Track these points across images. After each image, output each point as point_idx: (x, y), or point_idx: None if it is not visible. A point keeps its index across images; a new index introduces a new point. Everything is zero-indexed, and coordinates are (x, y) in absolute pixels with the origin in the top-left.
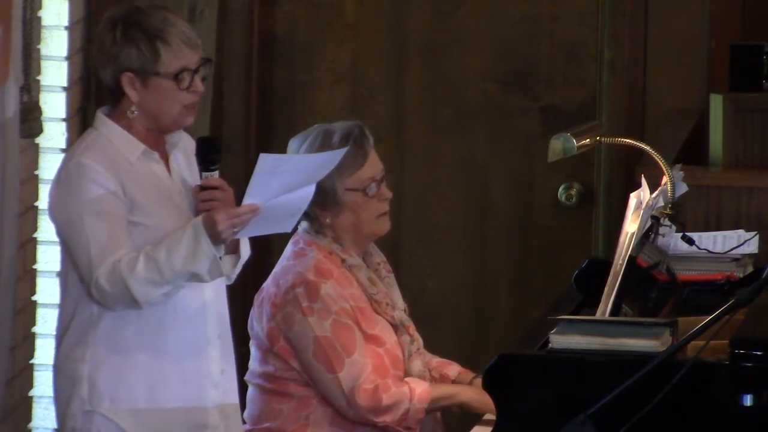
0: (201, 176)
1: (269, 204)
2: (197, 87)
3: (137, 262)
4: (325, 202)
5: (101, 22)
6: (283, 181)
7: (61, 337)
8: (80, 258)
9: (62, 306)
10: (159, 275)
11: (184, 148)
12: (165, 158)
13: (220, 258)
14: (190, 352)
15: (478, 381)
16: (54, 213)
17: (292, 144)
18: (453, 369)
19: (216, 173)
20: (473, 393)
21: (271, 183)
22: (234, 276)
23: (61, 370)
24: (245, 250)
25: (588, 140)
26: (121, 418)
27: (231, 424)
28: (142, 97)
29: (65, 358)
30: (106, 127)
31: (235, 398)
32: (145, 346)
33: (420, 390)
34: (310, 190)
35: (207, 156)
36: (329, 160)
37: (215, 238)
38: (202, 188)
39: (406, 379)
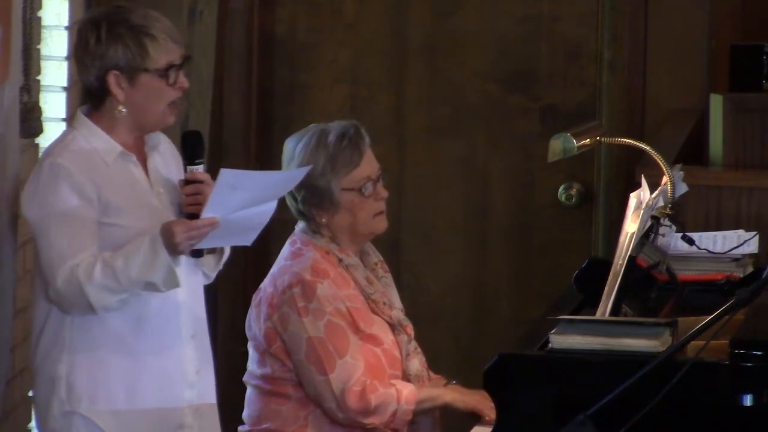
0: (185, 170)
1: (229, 218)
2: (182, 83)
3: (94, 268)
4: (321, 202)
5: (80, 24)
6: (244, 197)
7: (37, 338)
8: (43, 259)
9: (37, 306)
10: (115, 282)
11: (162, 150)
12: (143, 160)
13: (202, 256)
14: (164, 352)
15: (451, 386)
16: (25, 211)
17: (288, 144)
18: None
19: (201, 167)
20: (456, 394)
21: (232, 198)
22: (213, 276)
23: (39, 371)
24: (226, 250)
25: (588, 140)
26: (100, 418)
27: (206, 424)
28: (128, 95)
29: (43, 359)
30: (85, 128)
31: (211, 398)
32: (120, 346)
33: (407, 392)
34: (271, 206)
35: (191, 150)
36: (291, 177)
37: (172, 249)
38: (187, 182)
39: (392, 381)
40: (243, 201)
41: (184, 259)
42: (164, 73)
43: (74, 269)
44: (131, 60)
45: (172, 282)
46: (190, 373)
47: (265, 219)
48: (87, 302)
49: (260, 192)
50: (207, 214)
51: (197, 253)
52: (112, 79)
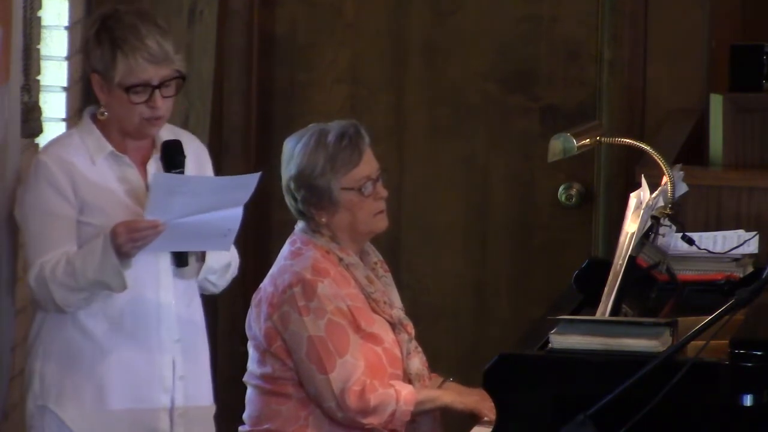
0: None
1: (182, 222)
2: (155, 102)
3: (58, 266)
4: (321, 201)
5: (87, 18)
6: (188, 202)
7: (29, 333)
8: (24, 255)
9: (30, 302)
10: (74, 281)
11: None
12: (145, 160)
13: (186, 265)
14: (138, 354)
15: (448, 384)
16: (15, 208)
17: (288, 143)
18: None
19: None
20: (455, 395)
21: (173, 202)
22: (221, 285)
23: (26, 367)
24: (216, 259)
25: (588, 140)
26: (67, 415)
27: (195, 428)
28: (107, 100)
29: (27, 354)
30: (84, 126)
31: (204, 401)
32: (91, 345)
33: (405, 392)
34: (237, 212)
35: (168, 160)
36: (243, 183)
37: (117, 249)
38: None
39: (392, 381)
40: (188, 206)
41: (170, 264)
42: (128, 91)
43: (43, 266)
44: (105, 68)
45: (120, 283)
46: (167, 378)
47: (234, 225)
48: (52, 300)
49: (207, 197)
50: (147, 217)
51: (182, 262)
52: (94, 80)
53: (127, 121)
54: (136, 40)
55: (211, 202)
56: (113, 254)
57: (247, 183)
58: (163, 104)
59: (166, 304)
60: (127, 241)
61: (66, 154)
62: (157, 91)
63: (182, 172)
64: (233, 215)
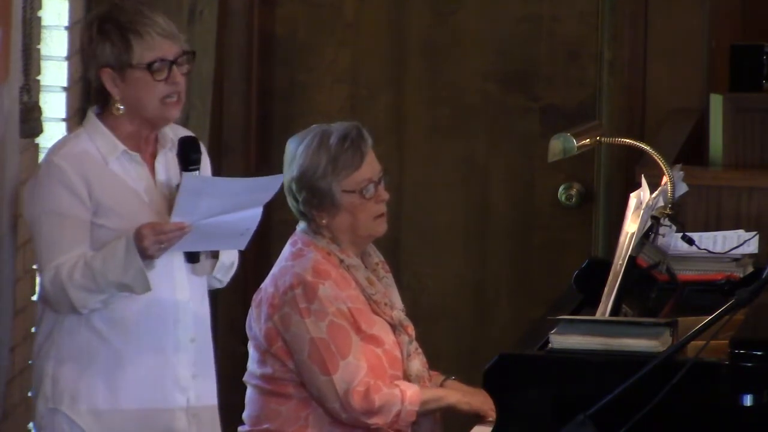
0: (181, 176)
1: (204, 223)
2: (175, 78)
3: (76, 268)
4: (322, 203)
5: (81, 24)
6: (214, 204)
7: (36, 334)
8: (36, 257)
9: (38, 303)
10: (94, 283)
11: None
12: (153, 159)
13: (198, 261)
14: (154, 354)
15: (450, 383)
16: (24, 211)
17: (290, 144)
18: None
19: (196, 173)
20: (460, 395)
21: (199, 204)
22: (225, 280)
23: (34, 367)
24: (228, 255)
25: (588, 140)
26: (80, 417)
27: (204, 428)
28: (123, 91)
29: (36, 355)
30: (91, 126)
31: (211, 401)
32: (105, 346)
33: (410, 392)
34: (257, 212)
35: (185, 156)
36: (266, 185)
37: (142, 251)
38: None
39: (396, 382)
40: (213, 207)
41: (183, 262)
42: (150, 67)
43: (59, 269)
44: (118, 56)
45: (144, 285)
46: (182, 377)
47: (252, 224)
48: (69, 302)
49: (232, 198)
50: (175, 219)
51: (193, 258)
52: (105, 76)
53: (147, 106)
54: (146, 19)
55: (234, 203)
56: (137, 256)
57: (271, 185)
58: (182, 81)
59: (183, 302)
60: (153, 243)
61: (78, 156)
62: (174, 66)
63: (198, 170)
64: (253, 215)
